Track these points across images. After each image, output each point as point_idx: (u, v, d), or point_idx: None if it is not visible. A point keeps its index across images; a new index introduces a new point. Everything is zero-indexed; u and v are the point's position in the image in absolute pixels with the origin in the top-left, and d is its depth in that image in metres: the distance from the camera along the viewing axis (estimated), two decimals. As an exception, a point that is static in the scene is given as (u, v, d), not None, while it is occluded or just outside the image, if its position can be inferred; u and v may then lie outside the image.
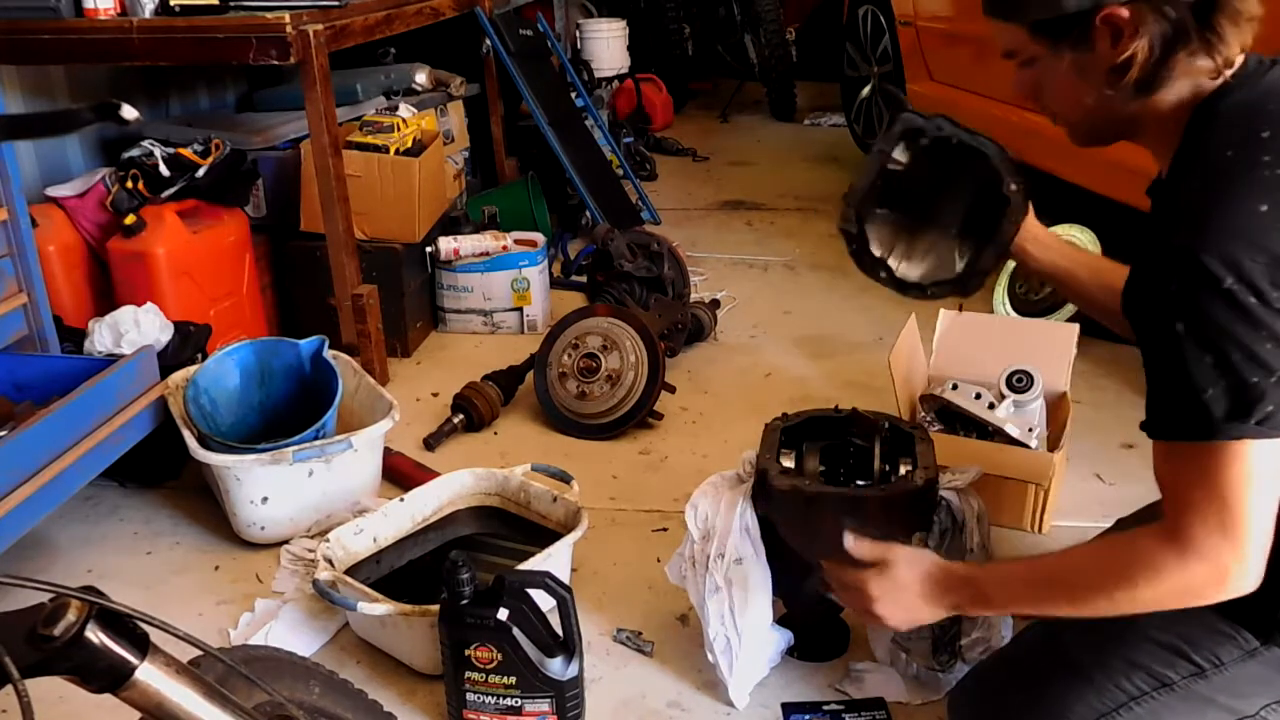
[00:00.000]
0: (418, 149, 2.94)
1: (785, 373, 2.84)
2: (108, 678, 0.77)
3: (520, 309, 3.14)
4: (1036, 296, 2.79)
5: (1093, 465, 2.24)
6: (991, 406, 2.10)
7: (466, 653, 1.50)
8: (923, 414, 2.18)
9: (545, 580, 1.50)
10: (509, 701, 1.52)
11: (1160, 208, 1.13)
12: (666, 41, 6.31)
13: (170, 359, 2.27)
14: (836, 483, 1.62)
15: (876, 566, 1.32)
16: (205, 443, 2.02)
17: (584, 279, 3.30)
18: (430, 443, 2.46)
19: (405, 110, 3.08)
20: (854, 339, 2.97)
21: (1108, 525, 1.64)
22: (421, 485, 1.99)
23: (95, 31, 2.40)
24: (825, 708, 1.62)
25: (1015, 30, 1.21)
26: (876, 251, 1.59)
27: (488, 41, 3.75)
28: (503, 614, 1.47)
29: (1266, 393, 1.02)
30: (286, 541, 2.07)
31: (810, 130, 5.88)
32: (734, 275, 3.58)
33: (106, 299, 2.51)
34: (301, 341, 2.27)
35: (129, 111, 1.82)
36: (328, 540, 1.81)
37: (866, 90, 4.72)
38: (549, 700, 1.52)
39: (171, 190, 2.55)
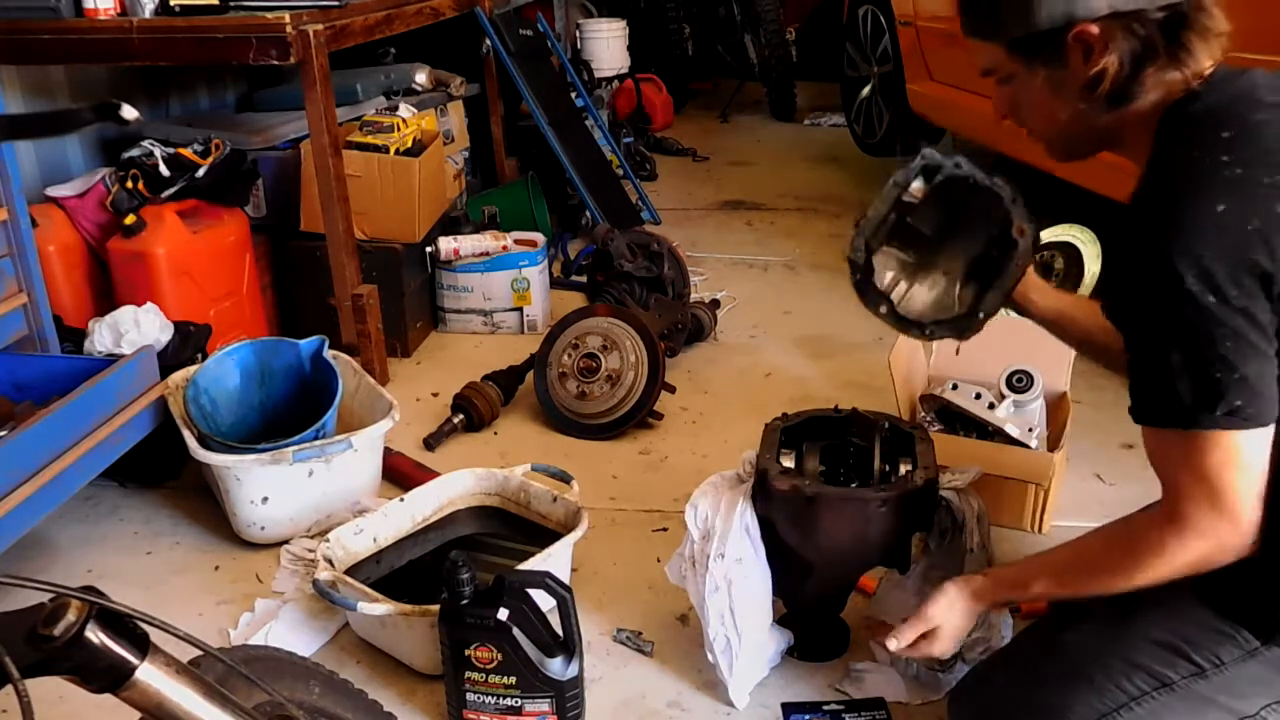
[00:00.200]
0: (418, 149, 2.94)
1: (785, 373, 2.84)
2: (108, 678, 0.77)
3: (520, 309, 3.14)
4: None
5: (1093, 465, 2.24)
6: (991, 406, 2.10)
7: (466, 653, 1.50)
8: (923, 414, 2.18)
9: (545, 580, 1.50)
10: (509, 701, 1.52)
11: (1130, 209, 1.17)
12: (666, 41, 6.31)
13: (170, 359, 2.27)
14: (836, 483, 1.62)
15: (926, 638, 1.40)
16: (205, 443, 2.02)
17: (584, 279, 3.30)
18: (430, 443, 2.46)
19: (405, 110, 3.08)
20: (854, 339, 2.97)
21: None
22: (421, 485, 1.99)
23: (95, 31, 2.40)
24: (825, 708, 1.62)
25: (993, 49, 1.26)
26: (880, 285, 1.61)
27: (488, 41, 3.75)
28: (503, 614, 1.47)
29: (1230, 387, 1.08)
30: (286, 541, 2.07)
31: (810, 130, 5.88)
32: (734, 275, 3.58)
33: (106, 299, 2.51)
34: (301, 341, 2.27)
35: (129, 111, 1.83)
36: (328, 540, 1.81)
37: (866, 90, 4.72)
38: (549, 700, 1.52)
39: (171, 190, 2.55)
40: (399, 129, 2.94)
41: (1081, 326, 1.59)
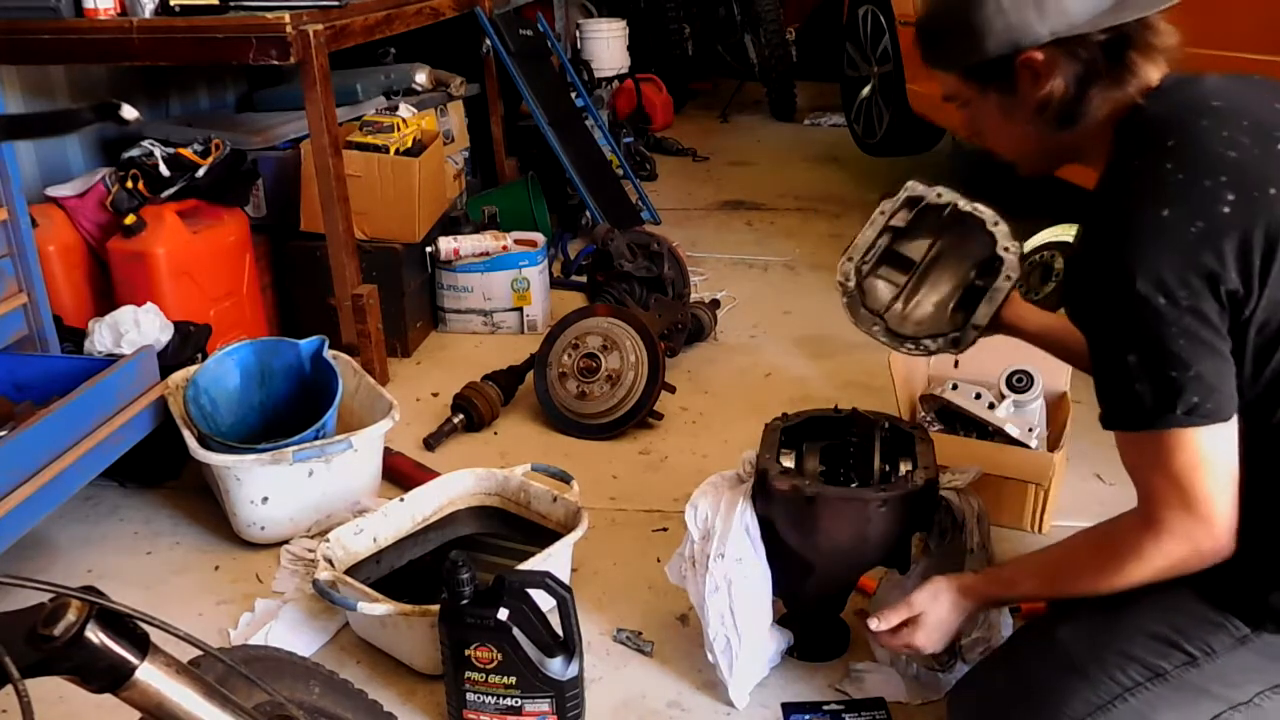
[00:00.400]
0: (418, 149, 2.94)
1: (785, 373, 2.84)
2: (108, 678, 0.77)
3: (520, 309, 3.14)
4: (1037, 296, 2.78)
5: (1093, 465, 2.24)
6: (991, 406, 2.10)
7: (466, 653, 1.50)
8: (923, 414, 2.19)
9: (545, 580, 1.50)
10: (509, 701, 1.52)
11: (1083, 220, 1.22)
12: (666, 41, 6.31)
13: (170, 359, 2.27)
14: (836, 483, 1.62)
15: (909, 624, 1.42)
16: (205, 443, 2.02)
17: (584, 279, 3.30)
18: (430, 443, 2.46)
19: (405, 110, 3.08)
20: (854, 339, 2.92)
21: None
22: (421, 485, 1.99)
23: (95, 31, 2.40)
24: (825, 708, 1.62)
25: (950, 77, 1.32)
26: (872, 307, 1.67)
27: (488, 41, 3.75)
28: (503, 614, 1.47)
29: (1186, 385, 1.11)
30: (286, 541, 2.07)
31: (810, 130, 5.88)
32: (734, 275, 3.58)
33: (106, 299, 2.51)
34: (301, 341, 2.27)
35: (129, 111, 1.83)
36: (328, 540, 1.81)
37: (866, 90, 4.72)
38: (549, 700, 1.52)
39: (171, 190, 2.55)
40: (399, 129, 2.94)
41: (1071, 343, 1.62)
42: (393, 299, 2.88)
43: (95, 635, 0.75)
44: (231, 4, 2.51)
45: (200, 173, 2.57)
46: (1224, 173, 1.11)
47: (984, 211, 1.63)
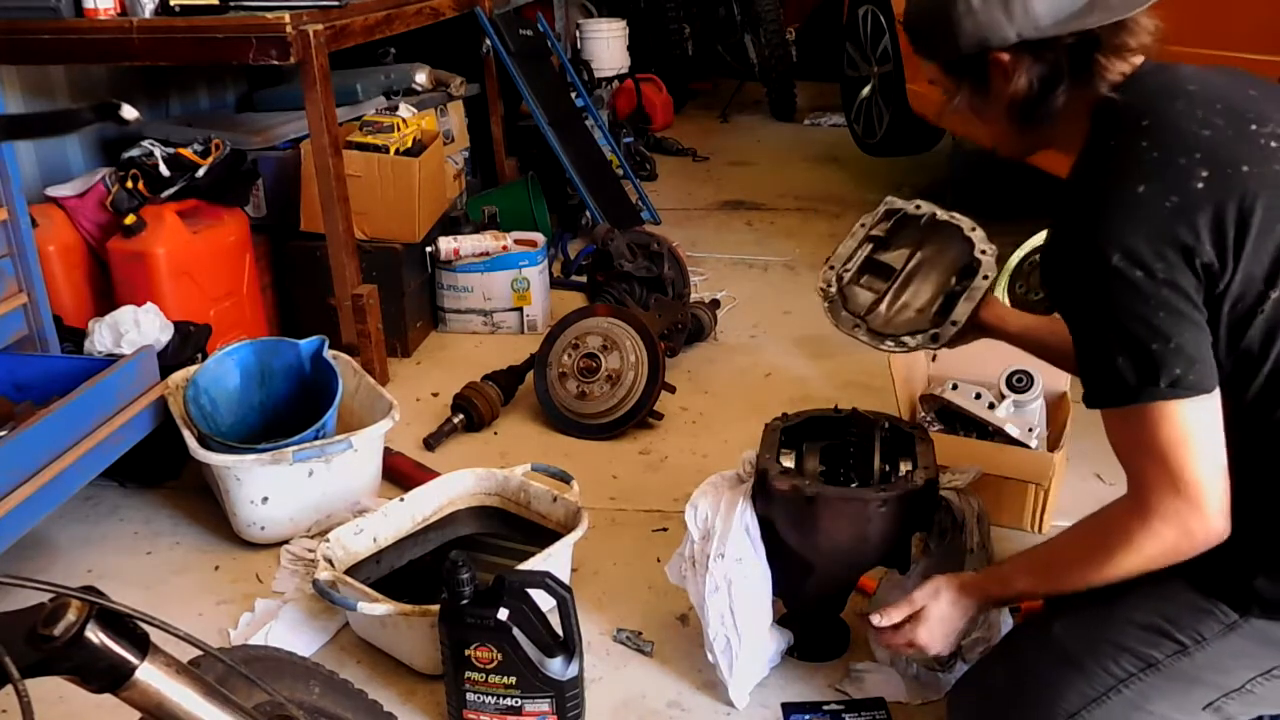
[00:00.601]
0: (418, 149, 2.94)
1: (785, 373, 2.84)
2: (108, 678, 0.77)
3: (520, 309, 3.14)
4: (1036, 296, 2.78)
5: (1093, 465, 2.24)
6: (991, 406, 2.10)
7: (466, 653, 1.50)
8: (923, 414, 2.19)
9: (545, 580, 1.50)
10: (509, 701, 1.52)
11: (1059, 200, 1.23)
12: (666, 41, 6.31)
13: (170, 359, 2.27)
14: (836, 483, 1.62)
15: (911, 620, 1.41)
16: (205, 443, 2.02)
17: (584, 279, 3.30)
18: (430, 443, 2.46)
19: (405, 110, 3.08)
20: (854, 339, 2.96)
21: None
22: (421, 485, 1.99)
23: (95, 31, 2.40)
24: (825, 708, 1.62)
25: (932, 67, 1.37)
26: (854, 310, 1.71)
27: (488, 41, 3.75)
28: (503, 614, 1.47)
29: (1167, 358, 1.12)
30: (286, 541, 2.07)
31: (810, 130, 5.88)
32: (734, 275, 3.58)
33: (106, 299, 2.51)
34: (301, 341, 2.27)
35: (129, 111, 1.83)
36: (328, 540, 1.81)
37: (866, 90, 4.72)
38: (549, 700, 1.52)
39: (171, 190, 2.55)
40: (399, 129, 2.94)
41: (1053, 342, 1.64)
42: (393, 299, 2.88)
43: (95, 635, 0.75)
44: (231, 4, 2.51)
45: (200, 173, 2.57)
46: (1198, 150, 1.13)
47: (961, 219, 1.68)
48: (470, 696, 1.53)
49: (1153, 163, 1.14)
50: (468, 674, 1.52)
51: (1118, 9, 1.21)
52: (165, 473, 2.30)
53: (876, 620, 1.44)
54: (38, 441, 1.78)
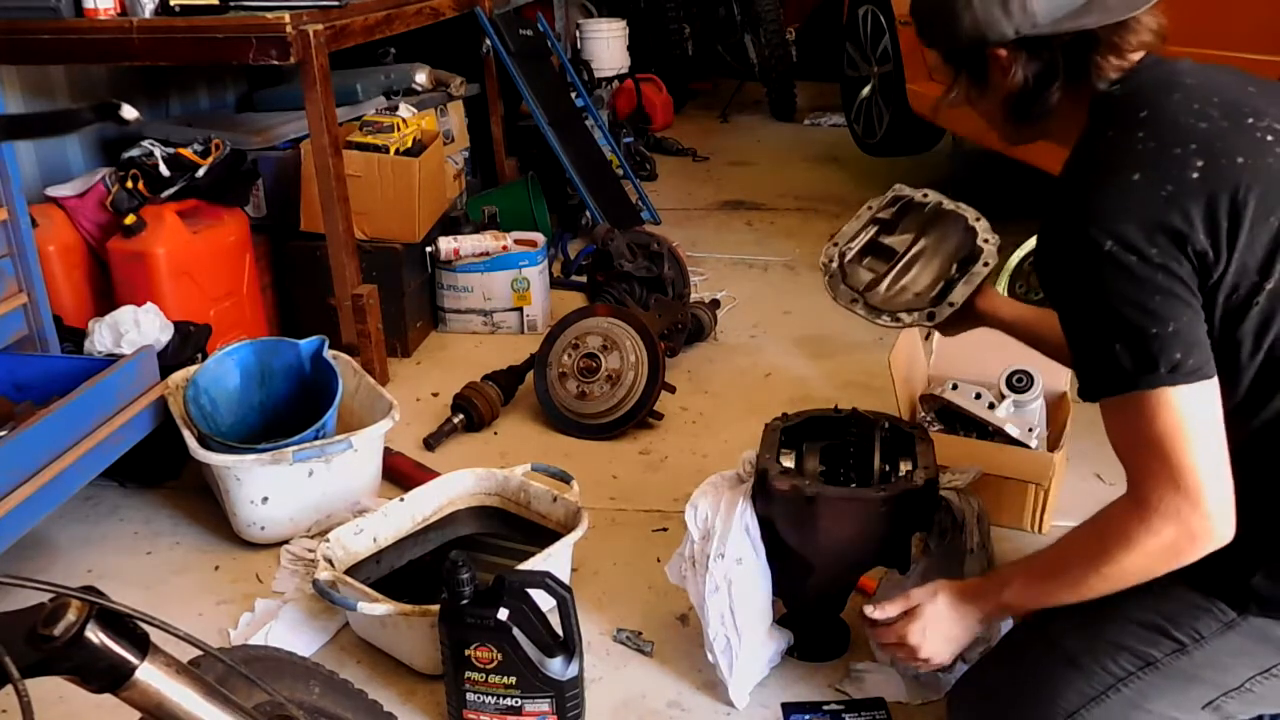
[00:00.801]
0: (418, 149, 2.95)
1: (785, 373, 2.84)
2: (108, 678, 0.77)
3: (520, 309, 3.14)
4: (1037, 296, 2.79)
5: (1093, 465, 2.24)
6: (991, 406, 2.10)
7: (466, 653, 1.50)
8: (923, 414, 2.19)
9: (545, 580, 1.50)
10: (509, 701, 1.52)
11: (1053, 190, 1.23)
12: (666, 41, 6.31)
13: (170, 359, 2.27)
14: (836, 483, 1.62)
15: (905, 616, 1.39)
16: (205, 443, 2.02)
17: (584, 279, 3.30)
18: (430, 443, 2.46)
19: (405, 110, 3.08)
20: (854, 339, 2.97)
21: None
22: (421, 485, 1.99)
23: (95, 31, 2.40)
24: (825, 708, 1.62)
25: (935, 53, 1.39)
26: (853, 285, 1.71)
27: (488, 41, 3.75)
28: (503, 614, 1.47)
29: (1167, 341, 1.11)
30: (286, 541, 2.07)
31: (810, 130, 5.88)
32: (734, 275, 3.58)
33: (106, 299, 2.51)
34: (301, 341, 2.27)
35: (129, 111, 1.82)
36: (328, 540, 1.81)
37: (866, 90, 4.72)
38: (549, 700, 1.52)
39: (171, 190, 2.55)
40: (399, 129, 2.94)
41: (1046, 333, 1.64)
42: (393, 299, 2.88)
43: (95, 635, 0.75)
44: (231, 4, 2.51)
45: (200, 173, 2.57)
46: (1193, 141, 1.13)
47: (966, 209, 1.70)
48: (470, 696, 1.53)
49: (1148, 152, 1.14)
50: (468, 674, 1.52)
51: (1115, 10, 1.21)
52: (165, 473, 2.30)
53: (870, 611, 1.42)
54: (38, 441, 1.78)
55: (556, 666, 1.51)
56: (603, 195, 3.84)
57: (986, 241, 1.65)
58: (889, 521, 1.54)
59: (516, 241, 3.14)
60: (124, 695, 0.78)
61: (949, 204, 1.71)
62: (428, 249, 3.06)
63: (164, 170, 2.55)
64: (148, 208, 2.49)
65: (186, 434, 2.03)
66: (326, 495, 2.08)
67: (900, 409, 2.15)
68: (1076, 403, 2.19)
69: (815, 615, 1.74)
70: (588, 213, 3.79)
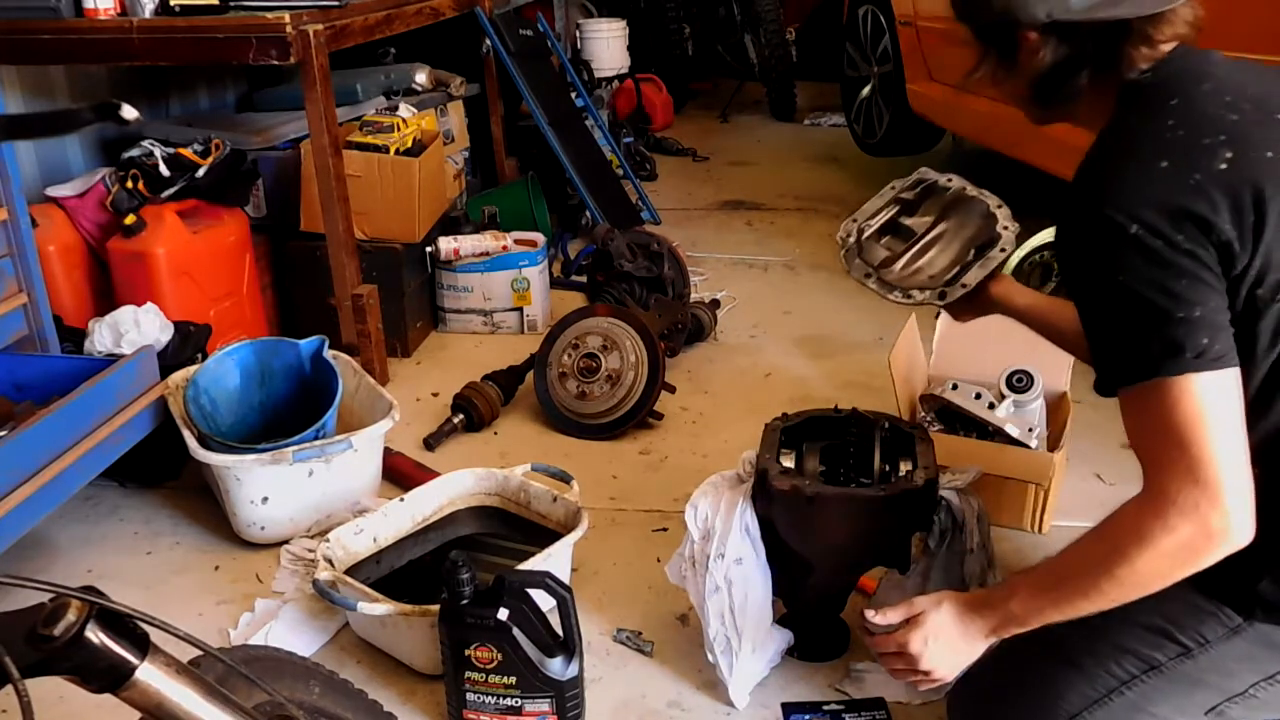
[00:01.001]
0: (418, 149, 2.95)
1: (785, 373, 2.84)
2: (108, 678, 0.77)
3: (520, 309, 3.14)
4: (1038, 296, 2.79)
5: (1093, 465, 2.24)
6: (991, 406, 2.10)
7: (466, 653, 1.50)
8: (923, 414, 2.18)
9: (545, 580, 1.50)
10: (509, 701, 1.52)
11: (1077, 173, 1.21)
12: (666, 41, 6.31)
13: (170, 359, 2.27)
14: (836, 483, 1.62)
15: (907, 624, 1.33)
16: (205, 443, 2.02)
17: (584, 279, 3.30)
18: (430, 443, 2.46)
19: (405, 110, 3.08)
20: (854, 339, 2.97)
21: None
22: (421, 485, 1.99)
23: (95, 31, 2.40)
24: (825, 708, 1.62)
25: (965, 29, 1.36)
26: (868, 260, 1.71)
27: (488, 41, 3.75)
28: (503, 614, 1.47)
29: (1193, 326, 1.08)
30: (286, 541, 2.07)
31: (810, 130, 5.88)
32: (734, 275, 3.58)
33: (106, 299, 2.51)
34: (301, 341, 2.27)
35: (129, 111, 1.82)
36: (328, 540, 1.81)
37: (866, 90, 4.72)
38: (549, 700, 1.52)
39: (171, 190, 2.55)
40: (399, 129, 2.94)
41: (1058, 321, 1.64)
42: (393, 299, 2.88)
43: (95, 635, 0.75)
44: (231, 4, 2.51)
45: (200, 173, 2.57)
46: (1223, 133, 1.12)
47: (988, 196, 1.69)
48: (470, 696, 1.53)
49: (1177, 141, 1.13)
50: (468, 674, 1.52)
51: (1148, 3, 1.19)
52: (165, 473, 2.30)
53: (870, 616, 1.36)
54: (38, 441, 1.78)
55: (556, 666, 1.51)
56: (603, 195, 3.84)
57: (1006, 228, 1.64)
58: (889, 521, 1.54)
59: (516, 241, 3.14)
60: (124, 695, 0.78)
61: (972, 190, 1.71)
62: (428, 249, 3.06)
63: (164, 170, 2.55)
64: (148, 208, 2.49)
65: (186, 434, 2.03)
66: (326, 495, 2.08)
67: (900, 409, 2.15)
68: (1077, 402, 2.19)
69: (815, 615, 1.74)
70: (588, 213, 3.79)
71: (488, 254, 3.08)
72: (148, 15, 2.43)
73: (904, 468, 1.60)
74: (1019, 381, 2.10)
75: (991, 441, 2.07)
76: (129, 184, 2.52)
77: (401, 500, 1.93)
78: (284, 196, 2.88)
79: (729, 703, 1.63)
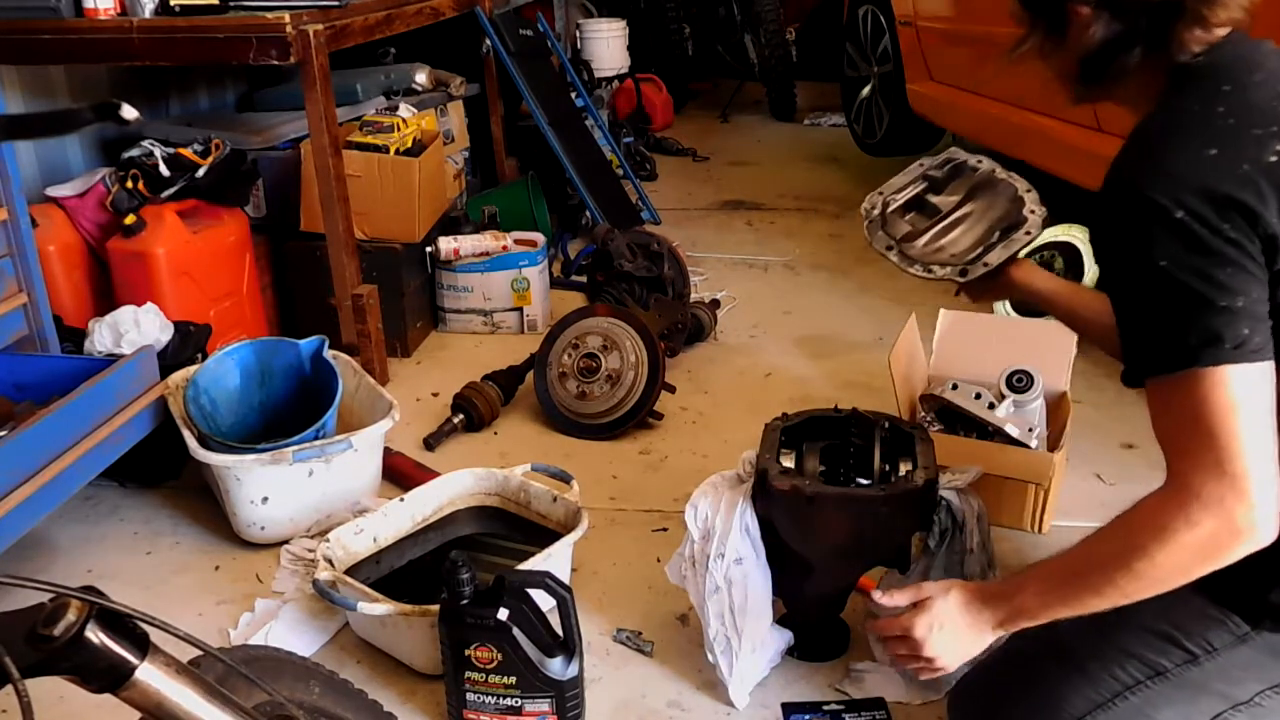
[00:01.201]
0: (418, 149, 2.95)
1: (785, 373, 2.84)
2: (108, 678, 0.77)
3: (520, 309, 3.14)
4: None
5: (1093, 465, 2.24)
6: (991, 406, 2.10)
7: (466, 653, 1.50)
8: (923, 414, 2.18)
9: (545, 580, 1.50)
10: (509, 701, 1.52)
11: (1121, 154, 1.18)
12: (666, 41, 6.31)
13: (170, 359, 2.27)
14: (836, 483, 1.62)
15: (914, 608, 1.31)
16: (205, 443, 2.02)
17: (584, 279, 3.30)
18: (430, 443, 2.46)
19: (405, 110, 3.08)
20: (854, 339, 2.97)
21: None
22: (421, 485, 1.99)
23: (95, 31, 2.40)
24: (825, 708, 1.62)
25: (1013, 1, 1.33)
26: (891, 234, 1.70)
27: (488, 41, 3.75)
28: (503, 614, 1.47)
29: (1235, 316, 1.05)
30: (286, 541, 2.07)
31: (810, 130, 5.88)
32: (734, 275, 3.58)
33: (106, 299, 2.51)
34: (301, 341, 2.27)
35: (129, 111, 1.82)
36: (328, 540, 1.81)
37: (866, 90, 4.72)
38: (549, 700, 1.52)
39: (171, 190, 2.55)
40: (399, 129, 2.94)
41: (1080, 308, 1.63)
42: (393, 299, 2.88)
43: (95, 635, 0.75)
44: (231, 4, 2.51)
45: (200, 173, 2.57)
46: (1275, 124, 1.10)
47: (1017, 179, 1.68)
48: (470, 696, 1.53)
49: (1228, 129, 1.10)
50: (468, 674, 1.52)
51: None
52: (165, 473, 2.30)
53: (878, 597, 1.35)
54: (38, 441, 1.77)
55: (556, 666, 1.51)
56: (603, 195, 3.84)
57: (1034, 212, 1.63)
58: (889, 521, 1.54)
59: (516, 241, 3.14)
60: (124, 695, 0.78)
61: (1001, 172, 1.70)
62: (428, 249, 3.06)
63: (164, 170, 2.55)
64: (148, 208, 2.49)
65: (186, 434, 2.03)
66: (326, 495, 2.08)
67: (900, 409, 2.15)
68: (1077, 403, 2.19)
69: (815, 615, 1.74)
70: (588, 213, 3.79)
71: (488, 254, 3.08)
72: (148, 15, 2.43)
73: (904, 468, 1.60)
74: (1019, 381, 2.10)
75: (991, 441, 2.07)
76: (129, 184, 2.52)
77: (401, 500, 1.93)
78: (284, 196, 2.88)
79: (729, 703, 1.63)
